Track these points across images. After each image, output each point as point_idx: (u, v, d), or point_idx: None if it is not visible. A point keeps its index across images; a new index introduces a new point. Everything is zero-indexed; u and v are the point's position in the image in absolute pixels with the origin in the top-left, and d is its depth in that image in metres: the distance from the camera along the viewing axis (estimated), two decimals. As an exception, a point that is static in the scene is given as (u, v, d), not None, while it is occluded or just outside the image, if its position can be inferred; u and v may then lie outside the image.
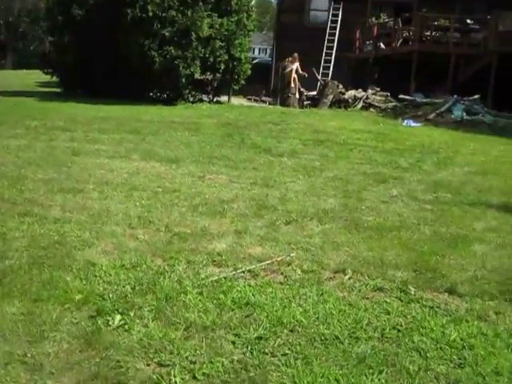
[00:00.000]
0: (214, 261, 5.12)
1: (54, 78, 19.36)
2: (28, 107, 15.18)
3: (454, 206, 7.48)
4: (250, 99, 21.56)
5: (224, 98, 19.51)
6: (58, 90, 19.71)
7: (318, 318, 4.15)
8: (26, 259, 4.84)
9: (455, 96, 17.86)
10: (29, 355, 3.46)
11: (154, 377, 3.34)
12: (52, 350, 3.54)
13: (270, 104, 21.07)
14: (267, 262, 5.08)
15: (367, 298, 4.59)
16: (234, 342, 3.80)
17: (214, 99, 18.74)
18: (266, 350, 3.71)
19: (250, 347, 3.72)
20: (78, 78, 17.50)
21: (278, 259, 5.15)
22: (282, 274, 4.97)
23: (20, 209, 6.21)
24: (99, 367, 3.39)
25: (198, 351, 3.63)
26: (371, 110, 18.88)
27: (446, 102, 17.61)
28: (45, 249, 5.11)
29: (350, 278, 5.00)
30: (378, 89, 19.67)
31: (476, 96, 17.93)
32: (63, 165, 8.44)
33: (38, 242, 5.26)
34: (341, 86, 19.50)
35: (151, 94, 18.13)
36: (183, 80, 16.34)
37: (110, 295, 4.28)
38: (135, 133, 11.60)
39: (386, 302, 4.49)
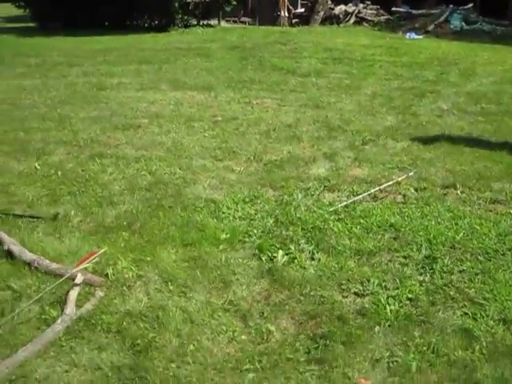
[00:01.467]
0: (326, 186, 4.86)
1: (27, 12, 18.01)
2: (13, 45, 14.16)
3: (504, 116, 7.33)
4: (228, 21, 20.64)
5: (214, 22, 18.60)
6: (31, 24, 18.42)
7: (465, 233, 3.99)
8: (138, 202, 4.47)
9: (451, 6, 17.44)
10: (226, 303, 3.17)
11: (367, 306, 3.16)
12: (245, 293, 3.27)
13: (249, 24, 20.26)
14: (389, 183, 4.84)
15: (491, 211, 4.44)
16: (406, 264, 3.63)
17: (205, 23, 17.85)
18: (445, 269, 3.53)
19: (425, 268, 3.59)
20: (53, 9, 16.24)
21: (400, 179, 4.92)
22: (399, 194, 4.76)
23: (90, 151, 5.76)
24: (305, 305, 3.21)
25: (383, 277, 3.42)
26: (364, 24, 18.36)
27: (442, 12, 17.19)
28: (148, 190, 4.76)
29: (462, 193, 4.83)
30: (369, 2, 19.06)
31: (470, 5, 17.56)
32: (98, 101, 7.89)
33: (135, 183, 4.90)
34: (330, 2, 18.80)
35: (138, 22, 17.12)
36: (175, 4, 15.40)
37: (255, 231, 4.01)
38: (146, 62, 10.96)
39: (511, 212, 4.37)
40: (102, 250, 3.41)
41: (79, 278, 3.15)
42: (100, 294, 3.19)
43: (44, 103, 7.84)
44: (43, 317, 3.01)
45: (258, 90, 8.66)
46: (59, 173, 5.09)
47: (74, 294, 3.09)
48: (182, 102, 7.76)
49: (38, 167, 5.24)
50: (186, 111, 7.29)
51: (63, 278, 3.11)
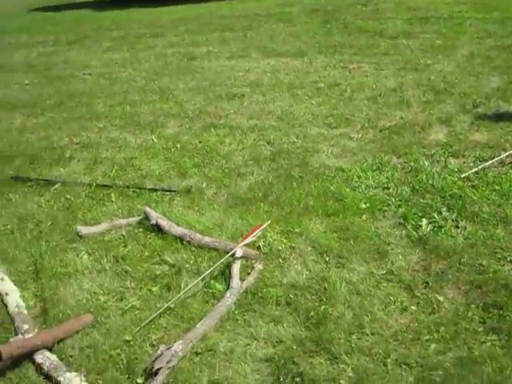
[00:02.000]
0: (450, 152, 4.66)
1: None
2: (92, 19, 14.33)
3: None
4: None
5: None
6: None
7: None
8: (266, 173, 4.44)
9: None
10: (387, 273, 3.11)
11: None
12: (403, 263, 3.20)
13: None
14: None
15: None
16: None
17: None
18: None
19: None
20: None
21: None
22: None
23: (201, 122, 5.74)
24: (467, 274, 3.10)
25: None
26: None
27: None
28: (273, 160, 4.73)
29: None
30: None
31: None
32: (192, 71, 7.86)
33: (257, 153, 4.87)
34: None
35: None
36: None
37: (392, 200, 3.90)
38: (229, 30, 10.85)
39: None
40: (267, 224, 3.36)
41: (239, 252, 3.11)
42: (259, 266, 3.15)
43: (140, 76, 7.87)
44: (210, 291, 2.99)
45: (351, 54, 8.41)
46: (178, 145, 5.08)
47: (236, 267, 3.07)
48: (277, 70, 7.62)
49: (156, 140, 5.24)
50: (284, 78, 7.15)
51: (229, 254, 3.09)
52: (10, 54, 10.50)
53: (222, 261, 3.04)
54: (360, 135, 5.11)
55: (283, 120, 5.63)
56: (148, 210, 3.66)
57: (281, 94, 6.50)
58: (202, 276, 2.98)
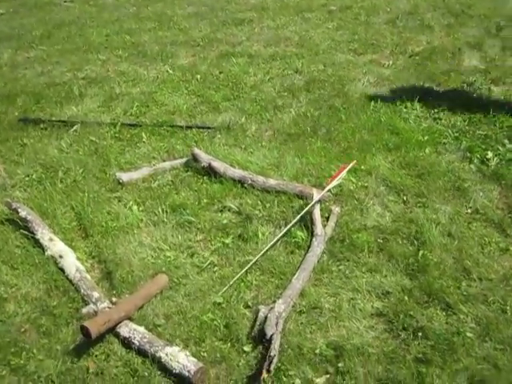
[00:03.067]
0: (490, 79, 4.44)
1: None
2: None
3: None
4: None
5: None
6: None
7: None
8: (304, 105, 4.07)
9: None
10: (474, 212, 2.85)
11: None
12: (486, 201, 2.96)
13: None
14: None
15: None
16: None
17: None
18: None
19: None
20: None
21: None
22: None
23: (215, 50, 5.32)
24: None
25: None
26: None
27: None
28: (308, 90, 4.43)
29: None
30: None
31: None
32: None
33: (287, 83, 4.49)
34: None
35: None
36: None
37: (449, 131, 3.65)
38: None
39: None
40: (353, 163, 3.02)
41: (316, 195, 2.79)
42: (337, 209, 2.84)
43: (129, 2, 7.22)
44: (292, 240, 2.68)
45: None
46: (198, 76, 4.65)
47: (318, 212, 2.75)
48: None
49: (171, 71, 4.78)
50: (289, 1, 6.66)
51: (314, 202, 2.74)
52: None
53: (309, 206, 2.71)
54: (391, 62, 4.78)
55: (304, 46, 5.22)
56: (197, 150, 3.28)
57: (291, 19, 6.05)
58: (291, 224, 2.65)
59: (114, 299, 2.35)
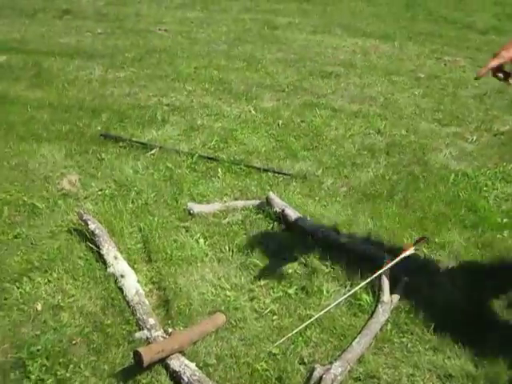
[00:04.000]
0: None
1: None
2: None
3: None
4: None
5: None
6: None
7: None
8: (384, 167, 4.00)
9: None
10: None
11: None
12: None
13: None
14: None
15: None
16: None
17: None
18: None
19: None
20: None
21: None
22: None
23: (299, 98, 5.35)
24: None
25: None
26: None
27: None
28: (387, 153, 4.34)
29: None
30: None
31: None
32: (276, 41, 7.40)
33: (369, 143, 4.44)
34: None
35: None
36: None
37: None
38: (306, 2, 10.31)
39: None
40: (423, 240, 2.91)
41: (390, 262, 2.69)
42: (405, 279, 2.72)
43: (220, 39, 7.43)
44: (356, 302, 2.58)
45: (442, 44, 7.89)
46: (279, 122, 4.65)
47: (386, 280, 2.64)
48: (367, 51, 7.14)
49: (254, 112, 4.82)
50: (377, 62, 6.68)
51: (385, 268, 2.64)
52: (77, 0, 10.05)
53: (380, 272, 2.61)
54: (475, 137, 4.67)
55: (388, 108, 5.18)
56: (272, 195, 3.25)
57: (378, 79, 6.03)
58: (360, 286, 2.56)
59: (169, 329, 2.29)
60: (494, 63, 1.62)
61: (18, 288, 2.65)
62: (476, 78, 1.69)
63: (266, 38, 7.47)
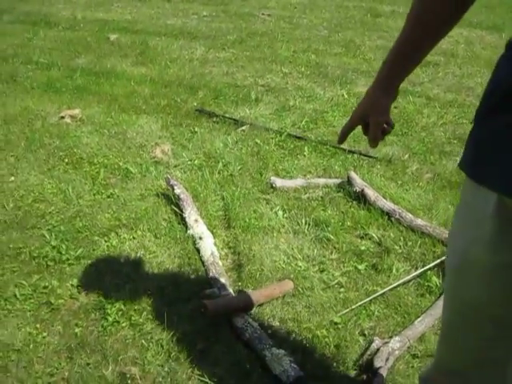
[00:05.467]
0: None
1: None
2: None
3: None
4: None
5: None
6: None
7: None
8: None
9: None
10: None
11: None
12: None
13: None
14: None
15: None
16: None
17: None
18: None
19: None
20: None
21: None
22: None
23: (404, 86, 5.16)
24: None
25: None
26: None
27: None
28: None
29: None
30: None
31: None
32: (378, 29, 7.33)
33: (460, 133, 4.25)
34: None
35: None
36: None
37: None
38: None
39: None
40: None
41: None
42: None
43: (322, 25, 7.44)
44: (425, 283, 2.56)
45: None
46: (370, 107, 4.59)
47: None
48: (472, 42, 6.90)
49: (346, 96, 4.82)
50: (480, 53, 6.45)
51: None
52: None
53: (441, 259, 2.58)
54: None
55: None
56: (353, 174, 3.28)
57: (478, 70, 5.84)
58: (430, 266, 2.56)
59: (238, 290, 2.41)
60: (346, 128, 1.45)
61: (106, 242, 2.85)
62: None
63: (368, 26, 7.40)
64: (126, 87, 4.91)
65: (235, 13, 8.00)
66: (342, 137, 1.49)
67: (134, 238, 2.87)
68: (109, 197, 3.26)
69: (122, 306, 2.38)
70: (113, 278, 2.57)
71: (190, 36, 6.71)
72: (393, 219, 3.02)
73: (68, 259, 2.67)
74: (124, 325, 2.29)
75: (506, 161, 1.00)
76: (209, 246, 2.72)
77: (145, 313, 2.34)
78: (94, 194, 3.27)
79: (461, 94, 5.08)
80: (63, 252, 2.71)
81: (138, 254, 2.74)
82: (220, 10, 8.16)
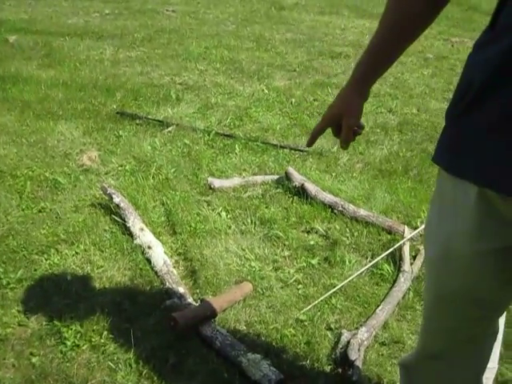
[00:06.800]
0: None
1: None
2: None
3: None
4: None
5: None
6: None
7: None
8: (398, 145, 4.02)
9: None
10: None
11: None
12: None
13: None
14: None
15: None
16: None
17: None
18: None
19: None
20: None
21: None
22: None
23: (310, 78, 5.34)
24: None
25: None
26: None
27: None
28: (400, 131, 4.33)
29: None
30: None
31: None
32: (284, 22, 7.42)
33: (383, 122, 4.42)
34: None
35: None
36: None
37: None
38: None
39: None
40: None
41: (408, 232, 2.75)
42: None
43: (228, 19, 7.42)
44: (378, 272, 2.64)
45: (449, 26, 7.99)
46: (292, 100, 4.70)
47: (407, 250, 2.71)
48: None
49: (266, 91, 4.85)
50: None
51: (407, 238, 2.71)
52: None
53: (402, 242, 2.67)
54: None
55: (398, 88, 5.22)
56: (291, 170, 3.30)
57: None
58: (382, 255, 2.63)
59: (199, 298, 2.36)
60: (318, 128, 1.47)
61: (47, 260, 2.69)
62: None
63: (274, 19, 7.47)
64: (38, 92, 4.66)
65: (138, 10, 7.81)
66: (313, 139, 1.47)
67: (76, 253, 2.74)
68: (40, 211, 3.09)
69: (79, 328, 2.26)
70: (62, 297, 2.44)
71: (95, 35, 6.47)
72: (336, 211, 3.07)
73: (9, 283, 2.50)
74: (85, 348, 2.17)
75: (482, 156, 1.06)
76: (160, 255, 2.64)
77: (105, 332, 2.24)
78: (24, 209, 3.08)
79: (375, 84, 5.23)
80: (1, 276, 2.54)
81: (85, 270, 2.61)
82: (122, 8, 7.94)
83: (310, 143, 1.47)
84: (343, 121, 1.37)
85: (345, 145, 1.40)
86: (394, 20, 1.29)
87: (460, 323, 1.33)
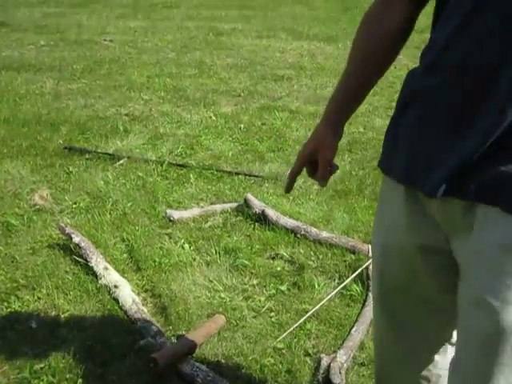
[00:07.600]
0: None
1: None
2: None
3: None
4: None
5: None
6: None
7: None
8: (349, 164, 4.11)
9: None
10: None
11: None
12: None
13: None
14: None
15: None
16: None
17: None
18: None
19: None
20: None
21: None
22: None
23: (256, 102, 5.39)
24: None
25: None
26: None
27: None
28: (350, 150, 4.42)
29: None
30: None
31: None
32: (224, 47, 7.49)
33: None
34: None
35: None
36: None
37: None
38: (247, 8, 10.46)
39: None
40: None
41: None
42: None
43: (167, 47, 7.42)
44: (348, 293, 2.68)
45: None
46: (241, 126, 4.72)
47: (373, 269, 2.75)
48: (314, 54, 7.33)
49: (214, 118, 4.86)
50: (325, 64, 6.88)
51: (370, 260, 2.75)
52: (12, 12, 9.81)
53: (368, 263, 2.71)
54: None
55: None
56: (250, 196, 3.31)
57: (328, 80, 6.21)
58: (351, 277, 2.66)
59: (173, 335, 2.32)
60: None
61: (7, 308, 2.59)
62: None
63: (213, 45, 7.52)
64: (-23, 131, 4.51)
65: (75, 41, 7.70)
66: (292, 182, 1.46)
67: (39, 298, 2.65)
68: (-5, 256, 2.97)
69: (51, 378, 2.18)
70: (29, 347, 2.35)
71: (33, 68, 6.33)
72: (299, 235, 3.09)
73: (-31, 335, 2.38)
74: (60, 398, 2.09)
75: (399, 154, 1.19)
76: (128, 294, 2.59)
77: (80, 380, 2.17)
78: (-24, 255, 2.95)
79: (319, 104, 5.34)
80: (-40, 329, 2.42)
81: (50, 315, 2.53)
82: (58, 39, 7.80)
83: (290, 187, 1.46)
84: (319, 157, 1.37)
85: (323, 181, 1.40)
86: (366, 57, 1.32)
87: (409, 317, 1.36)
